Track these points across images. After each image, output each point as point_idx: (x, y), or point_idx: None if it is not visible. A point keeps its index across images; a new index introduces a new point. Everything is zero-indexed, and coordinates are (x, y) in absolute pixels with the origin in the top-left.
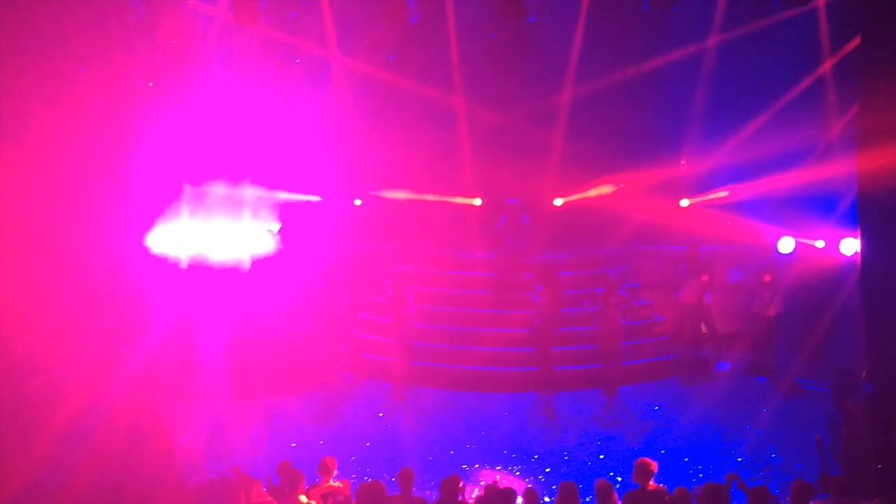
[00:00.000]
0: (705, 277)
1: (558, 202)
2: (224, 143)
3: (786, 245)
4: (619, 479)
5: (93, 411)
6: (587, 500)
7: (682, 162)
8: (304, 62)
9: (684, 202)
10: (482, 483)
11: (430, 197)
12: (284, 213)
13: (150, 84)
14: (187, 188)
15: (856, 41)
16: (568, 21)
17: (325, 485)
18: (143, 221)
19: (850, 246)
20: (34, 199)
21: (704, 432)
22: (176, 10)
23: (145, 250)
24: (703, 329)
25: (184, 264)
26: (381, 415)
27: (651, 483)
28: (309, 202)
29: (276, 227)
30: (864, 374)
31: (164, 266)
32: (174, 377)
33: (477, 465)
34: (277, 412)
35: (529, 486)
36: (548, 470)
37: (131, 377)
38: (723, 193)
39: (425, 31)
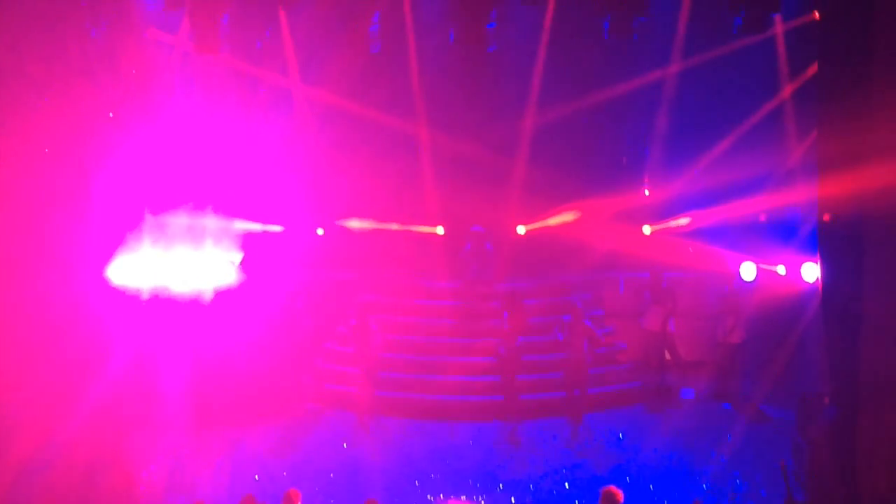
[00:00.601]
0: (669, 305)
1: (521, 230)
2: (186, 171)
3: (748, 271)
4: None
5: (51, 444)
6: None
7: (645, 189)
8: (268, 89)
9: (647, 229)
10: None
11: (393, 226)
12: (247, 242)
13: (111, 114)
14: (149, 217)
15: (814, 68)
16: (529, 49)
17: None
18: (104, 252)
19: (812, 272)
20: None
21: (670, 459)
22: (136, 40)
23: (105, 281)
24: (668, 356)
25: (145, 295)
26: (344, 445)
27: None
28: (271, 231)
29: (239, 257)
30: (826, 400)
31: (125, 297)
32: (135, 409)
33: (442, 495)
34: (240, 444)
35: None
36: (513, 499)
37: (91, 409)
38: (684, 220)
39: (387, 61)
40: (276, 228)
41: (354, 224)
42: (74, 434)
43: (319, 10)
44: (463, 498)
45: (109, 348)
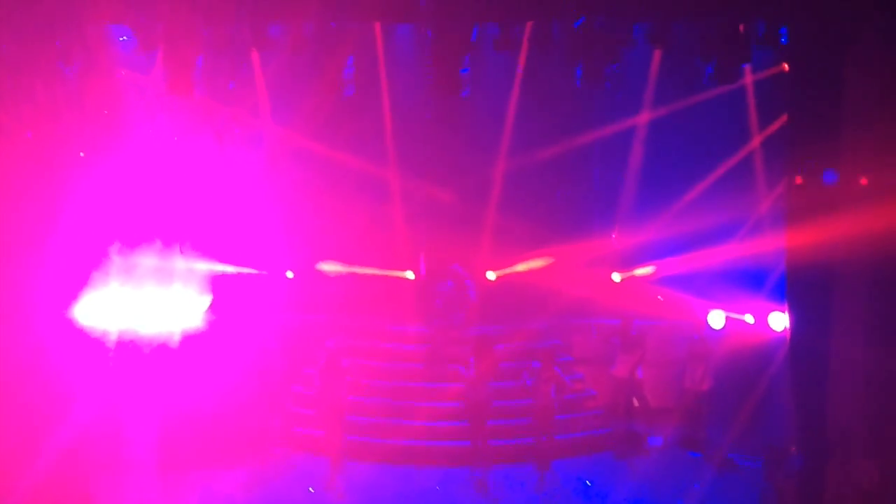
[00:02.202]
0: (638, 352)
1: (492, 276)
2: (156, 210)
3: (716, 319)
4: None
5: (18, 488)
6: None
7: (614, 236)
8: (240, 131)
9: (616, 276)
10: None
11: (363, 269)
12: (216, 283)
13: (81, 154)
14: (116, 257)
15: (783, 118)
16: (501, 95)
17: None
18: (69, 291)
19: (779, 321)
20: None
21: None
22: (108, 80)
23: (70, 321)
24: (636, 403)
25: (111, 336)
26: (311, 490)
27: None
28: (240, 273)
29: (208, 299)
30: (794, 449)
31: (90, 338)
32: (102, 452)
33: None
34: (209, 487)
35: None
36: None
37: (56, 452)
38: (653, 268)
39: (360, 104)
40: (246, 270)
41: (324, 267)
42: (40, 478)
43: (293, 53)
44: None
45: (74, 390)
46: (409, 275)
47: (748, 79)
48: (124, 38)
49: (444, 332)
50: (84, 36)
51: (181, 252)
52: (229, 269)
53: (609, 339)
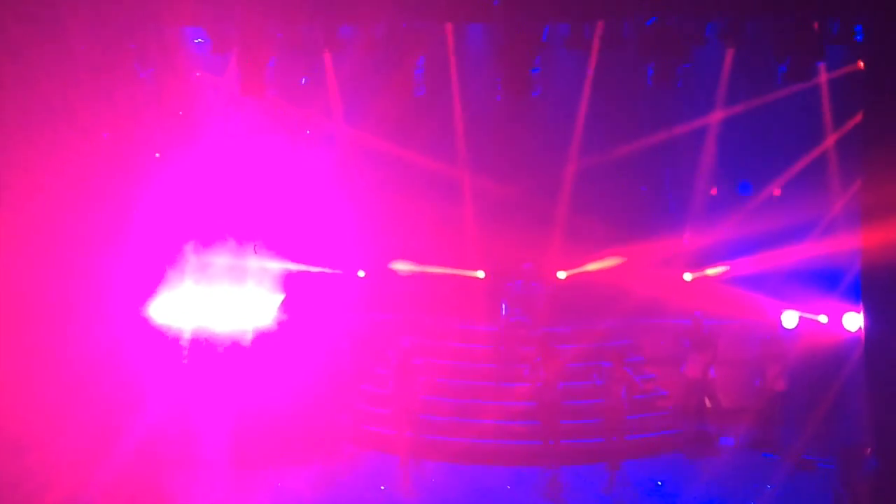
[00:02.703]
0: (710, 352)
1: (562, 275)
2: (230, 210)
3: (789, 320)
4: None
5: (91, 485)
6: None
7: (686, 235)
8: (313, 131)
9: (687, 276)
10: None
11: (434, 269)
12: (288, 282)
13: (157, 154)
14: (192, 256)
15: (858, 116)
16: (573, 94)
17: None
18: (144, 290)
19: (854, 321)
20: (38, 269)
21: None
22: (183, 81)
23: (146, 320)
24: (708, 403)
25: (186, 335)
26: (382, 488)
27: None
28: (313, 272)
29: (280, 298)
30: (868, 451)
31: (165, 336)
32: (175, 449)
33: None
34: (279, 484)
35: None
36: None
37: (131, 449)
38: (725, 267)
39: (431, 104)
40: (318, 269)
41: (396, 266)
42: (114, 474)
43: (364, 53)
44: None
45: (149, 388)
46: (480, 274)
47: (822, 77)
48: (199, 40)
49: (512, 331)
50: (159, 38)
51: (254, 251)
52: (302, 268)
53: (680, 339)
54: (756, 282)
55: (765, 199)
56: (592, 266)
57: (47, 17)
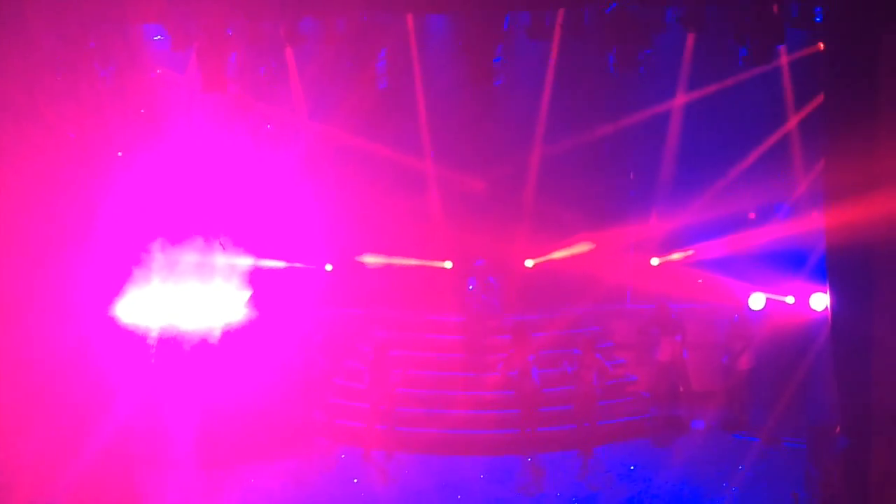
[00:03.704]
0: (680, 336)
1: (530, 263)
2: (195, 207)
3: (756, 301)
4: None
5: (57, 485)
6: None
7: (652, 220)
8: (277, 127)
9: (654, 261)
10: None
11: (401, 261)
12: (256, 278)
13: (119, 153)
14: (158, 254)
15: (819, 98)
16: (535, 84)
17: None
18: (113, 289)
19: (820, 301)
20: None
21: (681, 491)
22: (145, 79)
23: (112, 319)
24: (680, 388)
25: (154, 333)
26: (355, 481)
27: None
28: (280, 267)
29: (248, 294)
30: (837, 430)
31: (132, 335)
32: (144, 448)
33: None
34: (252, 481)
35: None
36: None
37: (99, 449)
38: (691, 252)
39: (394, 97)
40: (285, 264)
41: (363, 260)
42: (82, 473)
43: (326, 47)
44: None
45: (117, 387)
46: (448, 264)
47: (783, 59)
48: (158, 37)
49: (480, 321)
50: (121, 36)
51: (221, 248)
52: (269, 263)
53: (649, 324)
54: (723, 265)
55: (728, 183)
56: (559, 253)
57: (10, 14)
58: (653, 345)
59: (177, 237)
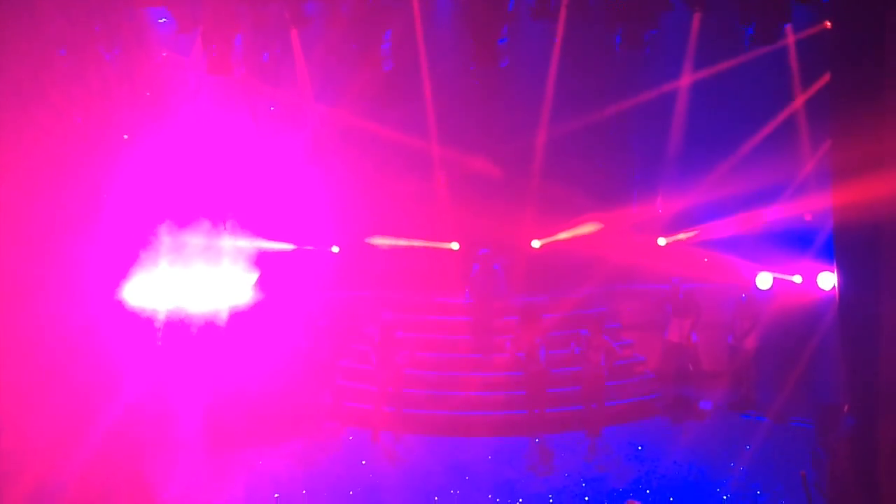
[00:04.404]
0: (692, 316)
1: (536, 244)
2: (202, 190)
3: (763, 281)
4: None
5: (66, 466)
6: None
7: (659, 200)
8: (283, 109)
9: (661, 241)
10: None
11: (408, 242)
12: (263, 261)
13: (125, 136)
14: (164, 236)
15: (825, 77)
16: (541, 64)
17: None
18: (118, 272)
19: (828, 280)
20: (10, 251)
21: (689, 471)
22: (151, 62)
23: (120, 301)
24: (691, 367)
25: (161, 315)
26: (363, 462)
27: None
28: (287, 250)
29: (255, 276)
30: (845, 409)
31: (140, 317)
32: (152, 430)
33: None
34: (259, 463)
35: None
36: None
37: (107, 431)
38: (698, 231)
39: (400, 79)
40: (292, 247)
41: (370, 242)
42: (90, 455)
43: (331, 29)
44: None
45: (125, 369)
46: (454, 246)
47: (790, 38)
48: (163, 20)
49: (486, 303)
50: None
51: (228, 230)
52: (276, 245)
53: (660, 304)
54: (730, 244)
55: (735, 163)
56: (566, 234)
57: None
58: (664, 323)
59: (184, 220)
